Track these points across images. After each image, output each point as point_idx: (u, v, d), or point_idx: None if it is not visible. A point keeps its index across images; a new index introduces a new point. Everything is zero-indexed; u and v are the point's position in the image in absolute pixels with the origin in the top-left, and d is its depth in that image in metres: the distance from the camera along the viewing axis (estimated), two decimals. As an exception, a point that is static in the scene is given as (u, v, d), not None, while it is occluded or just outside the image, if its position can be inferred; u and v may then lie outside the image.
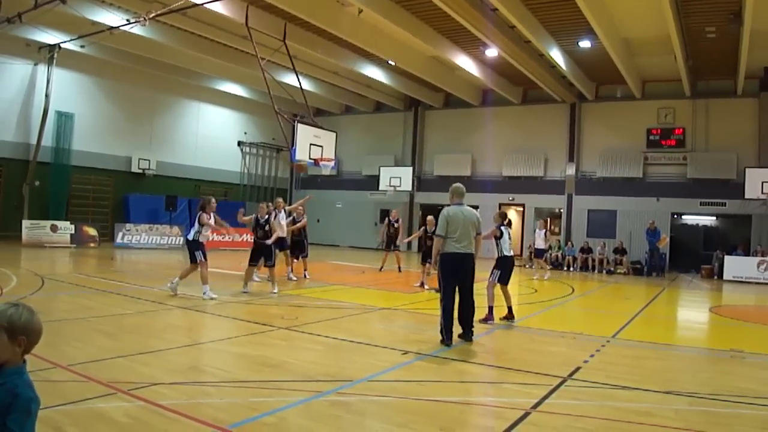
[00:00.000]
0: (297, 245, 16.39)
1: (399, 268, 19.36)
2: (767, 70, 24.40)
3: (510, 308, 10.49)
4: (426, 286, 14.96)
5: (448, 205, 8.76)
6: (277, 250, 15.16)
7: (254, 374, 6.30)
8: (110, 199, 27.32)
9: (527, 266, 26.53)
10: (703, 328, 12.39)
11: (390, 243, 19.14)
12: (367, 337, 8.51)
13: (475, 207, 9.14)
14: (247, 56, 23.59)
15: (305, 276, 16.26)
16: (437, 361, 7.33)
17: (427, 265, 15.17)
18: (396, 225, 19.01)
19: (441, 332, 8.30)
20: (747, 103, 25.56)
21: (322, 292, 13.78)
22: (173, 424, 4.62)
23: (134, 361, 6.50)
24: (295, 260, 16.29)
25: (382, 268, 19.41)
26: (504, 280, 10.58)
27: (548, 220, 21.11)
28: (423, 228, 15.85)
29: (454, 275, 8.44)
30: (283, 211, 15.50)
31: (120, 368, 6.15)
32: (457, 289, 8.50)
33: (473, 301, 8.59)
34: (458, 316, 8.48)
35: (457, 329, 8.41)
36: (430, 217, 15.64)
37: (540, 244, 20.70)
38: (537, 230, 20.99)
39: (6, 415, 2.28)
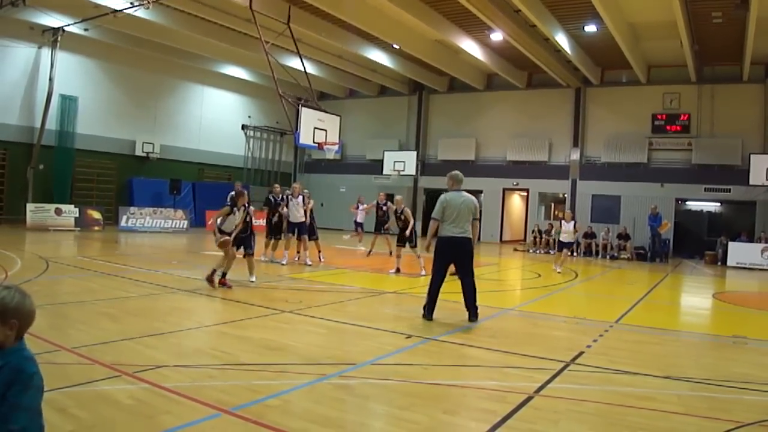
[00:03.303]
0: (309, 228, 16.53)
1: (390, 252, 19.22)
2: (773, 55, 24.26)
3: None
4: (423, 272, 14.55)
5: (446, 191, 8.99)
6: (290, 234, 15.44)
7: (258, 357, 6.33)
8: (114, 182, 27.36)
9: (530, 251, 26.55)
10: (706, 314, 12.38)
11: (379, 226, 18.99)
12: (371, 321, 8.53)
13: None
14: (251, 39, 23.54)
15: (320, 259, 16.42)
16: (440, 344, 7.35)
17: (405, 246, 15.17)
18: (384, 208, 18.85)
19: (423, 308, 8.80)
20: (753, 89, 25.47)
21: (326, 276, 13.81)
22: (177, 406, 4.65)
23: (139, 343, 6.53)
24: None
25: (371, 252, 19.30)
26: None
27: (573, 212, 19.25)
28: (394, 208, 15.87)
29: (448, 258, 8.87)
30: (301, 196, 15.63)
31: (124, 351, 6.18)
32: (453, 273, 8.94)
33: (474, 283, 8.77)
34: (463, 299, 8.78)
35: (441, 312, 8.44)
36: (397, 197, 15.82)
37: (565, 237, 17.80)
38: (564, 222, 17.78)
39: (8, 389, 2.32)
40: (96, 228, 23.92)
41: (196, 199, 29.49)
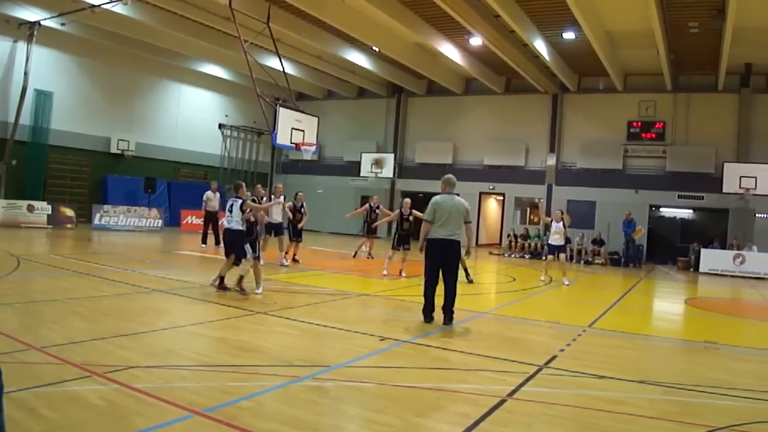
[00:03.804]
0: (294, 228, 16.77)
1: (370, 254, 19.25)
2: (748, 66, 24.66)
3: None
4: (403, 274, 14.85)
5: (438, 194, 9.12)
6: (268, 235, 15.48)
7: (231, 358, 6.29)
8: (88, 179, 27.00)
9: (505, 255, 26.67)
10: (678, 320, 12.53)
11: (370, 230, 18.99)
12: (345, 323, 8.52)
13: (456, 195, 9.23)
14: (229, 38, 23.41)
15: (296, 260, 16.46)
16: (415, 347, 7.35)
17: (400, 250, 15.17)
18: (377, 211, 18.87)
19: (423, 312, 8.93)
20: (727, 99, 25.84)
21: (302, 278, 13.77)
22: (148, 407, 4.61)
23: (110, 343, 6.46)
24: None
25: (356, 254, 19.33)
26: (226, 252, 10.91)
27: (562, 211, 16.92)
28: (398, 211, 15.67)
29: (438, 260, 8.90)
30: (282, 196, 15.70)
31: (96, 351, 6.12)
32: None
33: (455, 286, 8.90)
34: (443, 301, 8.87)
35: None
36: (406, 200, 15.69)
37: (555, 239, 16.11)
38: (554, 222, 16.19)
39: None
40: (69, 225, 23.62)
41: (171, 198, 29.24)
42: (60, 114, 25.32)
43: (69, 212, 24.07)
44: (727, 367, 7.48)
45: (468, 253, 9.16)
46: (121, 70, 27.89)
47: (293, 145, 18.93)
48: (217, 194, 19.81)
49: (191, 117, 31.56)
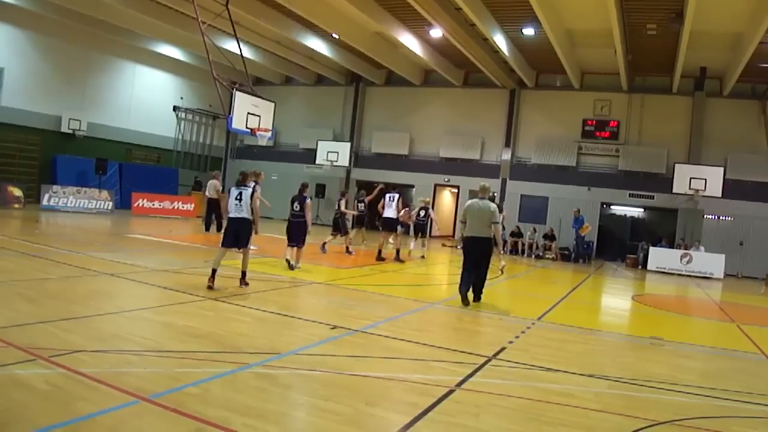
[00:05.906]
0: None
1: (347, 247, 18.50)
2: (703, 70, 25.14)
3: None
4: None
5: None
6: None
7: (180, 344, 6.22)
8: (37, 159, 26.31)
9: (458, 247, 26.80)
10: (626, 315, 12.79)
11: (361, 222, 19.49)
12: (297, 311, 8.50)
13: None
14: (187, 19, 22.98)
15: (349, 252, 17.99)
16: (365, 336, 7.37)
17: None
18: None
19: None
20: (681, 101, 26.40)
21: (254, 265, 13.66)
22: (94, 392, 4.53)
23: (56, 327, 6.33)
24: None
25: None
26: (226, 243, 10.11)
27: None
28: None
29: (468, 254, 10.59)
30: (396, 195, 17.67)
31: (41, 334, 5.99)
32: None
33: (482, 275, 10.63)
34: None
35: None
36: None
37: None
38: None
39: None
40: (16, 206, 23.01)
41: (123, 180, 28.69)
42: (9, 90, 24.60)
43: (17, 192, 23.42)
44: (671, 364, 7.64)
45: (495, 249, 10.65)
46: (75, 48, 27.21)
47: (249, 130, 18.70)
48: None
49: (145, 98, 30.96)
